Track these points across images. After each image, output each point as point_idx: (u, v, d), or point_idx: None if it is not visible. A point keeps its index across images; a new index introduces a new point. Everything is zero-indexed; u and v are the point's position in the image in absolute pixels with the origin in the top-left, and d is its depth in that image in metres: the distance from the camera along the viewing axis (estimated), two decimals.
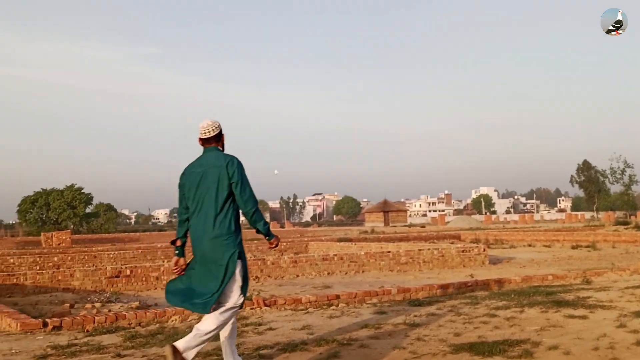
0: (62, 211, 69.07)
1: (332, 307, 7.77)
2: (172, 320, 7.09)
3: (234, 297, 4.32)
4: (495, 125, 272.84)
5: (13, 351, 5.65)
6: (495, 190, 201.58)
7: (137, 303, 10.52)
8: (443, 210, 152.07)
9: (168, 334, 6.19)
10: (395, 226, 72.13)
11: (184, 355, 4.11)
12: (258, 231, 4.54)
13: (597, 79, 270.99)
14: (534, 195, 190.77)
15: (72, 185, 72.03)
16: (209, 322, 4.22)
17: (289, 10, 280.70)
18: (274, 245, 4.64)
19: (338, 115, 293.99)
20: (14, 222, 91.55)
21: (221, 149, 4.64)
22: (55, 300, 11.52)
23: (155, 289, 13.76)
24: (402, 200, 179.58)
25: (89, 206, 75.17)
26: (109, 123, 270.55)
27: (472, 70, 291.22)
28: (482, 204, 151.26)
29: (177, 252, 4.54)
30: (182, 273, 4.47)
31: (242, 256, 4.39)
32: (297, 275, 15.45)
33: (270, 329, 6.31)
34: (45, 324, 6.77)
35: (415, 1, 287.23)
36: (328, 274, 15.73)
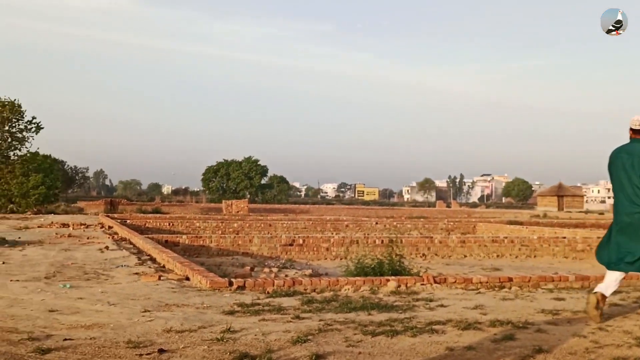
0: (240, 181, 73.73)
1: (504, 290, 7.60)
2: (345, 290, 7.35)
3: None
4: None
5: (205, 305, 6.21)
6: None
7: (309, 271, 11.04)
8: None
9: (342, 301, 6.43)
10: (569, 212, 68.10)
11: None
12: None
13: None
14: None
15: (250, 157, 76.47)
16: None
17: None
18: None
19: (511, 93, 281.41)
20: (198, 190, 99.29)
21: None
22: (236, 263, 12.41)
23: (325, 259, 14.30)
24: (579, 184, 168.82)
25: (264, 178, 79.38)
26: (283, 98, 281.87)
27: None
28: None
29: None
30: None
31: None
32: (465, 256, 15.25)
33: (442, 305, 6.33)
34: (230, 284, 7.34)
35: None
36: (497, 256, 15.36)
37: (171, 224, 21.48)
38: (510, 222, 26.89)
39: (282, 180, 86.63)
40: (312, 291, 7.29)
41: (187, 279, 8.14)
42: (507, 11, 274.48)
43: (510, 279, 7.98)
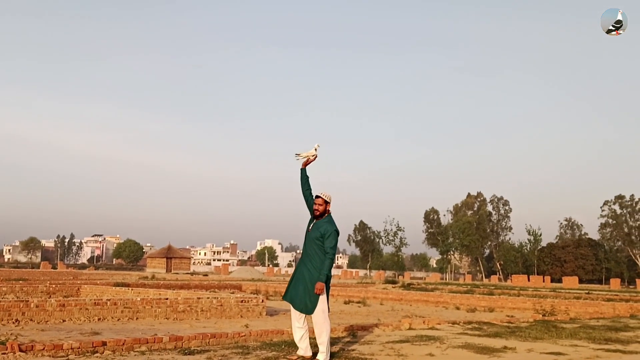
0: None
1: (96, 355, 7.32)
2: None
3: None
4: (281, 179, 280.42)
5: None
6: (279, 243, 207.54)
7: None
8: (227, 260, 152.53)
9: None
10: (177, 273, 70.53)
11: None
12: None
13: (364, 153, 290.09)
14: None
15: None
16: None
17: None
18: None
19: (124, 154, 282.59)
20: None
21: None
22: None
23: None
24: (188, 247, 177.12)
25: None
26: None
27: (265, 123, 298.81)
28: (266, 256, 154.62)
29: None
30: None
31: None
32: (64, 320, 14.37)
33: None
34: None
35: (218, 48, 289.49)
36: (99, 319, 14.86)
37: None
38: (117, 284, 26.50)
39: None
40: None
41: None
42: (126, 74, 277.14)
43: (104, 343, 7.73)
